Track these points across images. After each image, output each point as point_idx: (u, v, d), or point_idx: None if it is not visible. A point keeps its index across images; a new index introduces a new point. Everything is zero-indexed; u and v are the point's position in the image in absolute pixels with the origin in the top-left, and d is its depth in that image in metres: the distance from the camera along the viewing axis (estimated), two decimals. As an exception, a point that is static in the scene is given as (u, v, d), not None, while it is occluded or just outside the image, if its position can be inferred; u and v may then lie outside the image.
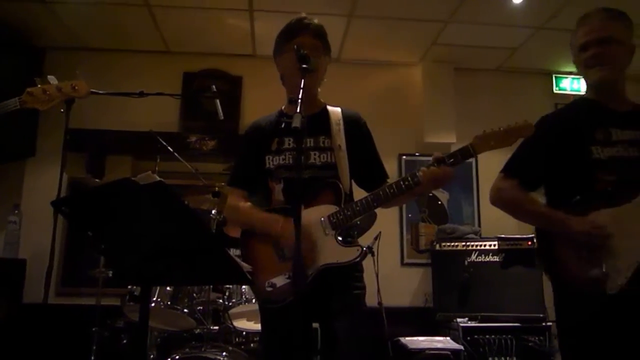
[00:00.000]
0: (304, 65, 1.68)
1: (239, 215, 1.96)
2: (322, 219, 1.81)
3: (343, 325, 1.79)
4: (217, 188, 2.97)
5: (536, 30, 4.12)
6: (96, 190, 1.42)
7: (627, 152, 1.84)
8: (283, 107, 2.05)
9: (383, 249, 3.79)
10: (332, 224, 1.80)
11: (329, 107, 2.04)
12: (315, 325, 1.91)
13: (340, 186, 1.84)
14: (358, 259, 1.78)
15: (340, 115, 1.99)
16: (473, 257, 4.13)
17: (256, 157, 1.96)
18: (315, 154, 1.91)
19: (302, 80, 1.66)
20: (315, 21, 1.97)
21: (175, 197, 1.25)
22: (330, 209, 1.81)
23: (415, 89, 4.78)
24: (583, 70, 1.97)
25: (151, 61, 4.68)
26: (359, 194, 1.94)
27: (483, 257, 4.12)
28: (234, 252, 3.01)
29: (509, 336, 3.77)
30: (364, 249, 1.81)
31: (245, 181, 2.01)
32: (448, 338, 3.86)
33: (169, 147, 3.36)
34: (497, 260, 4.07)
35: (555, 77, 4.91)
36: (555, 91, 4.92)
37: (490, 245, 4.12)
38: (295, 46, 1.79)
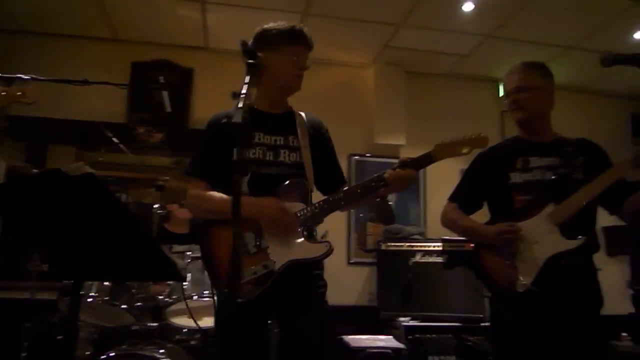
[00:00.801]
0: (250, 60, 1.71)
1: (208, 202, 1.90)
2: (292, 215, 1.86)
3: (308, 323, 1.84)
4: (160, 182, 2.89)
5: (485, 38, 4.24)
6: (24, 180, 1.35)
7: (543, 175, 2.12)
8: (254, 103, 2.06)
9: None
10: (300, 221, 1.85)
11: (295, 110, 2.11)
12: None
13: (307, 185, 1.92)
14: (325, 256, 1.83)
15: (304, 119, 2.08)
16: (417, 258, 4.21)
17: (224, 148, 1.92)
18: (285, 152, 1.96)
19: (248, 76, 1.67)
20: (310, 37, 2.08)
21: (106, 190, 1.21)
22: (298, 206, 1.87)
23: (367, 90, 4.83)
24: (509, 112, 2.24)
25: (99, 49, 4.51)
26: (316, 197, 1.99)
27: (427, 257, 4.21)
28: (176, 248, 3.00)
29: (450, 335, 3.87)
30: (332, 246, 1.84)
31: (207, 172, 1.96)
32: (391, 337, 3.92)
33: (113, 138, 3.27)
34: (441, 261, 4.17)
35: (502, 84, 5.07)
36: (501, 98, 5.08)
37: (434, 246, 4.21)
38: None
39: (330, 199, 1.88)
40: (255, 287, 1.79)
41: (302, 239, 1.84)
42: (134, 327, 2.83)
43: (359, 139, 4.78)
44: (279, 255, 1.81)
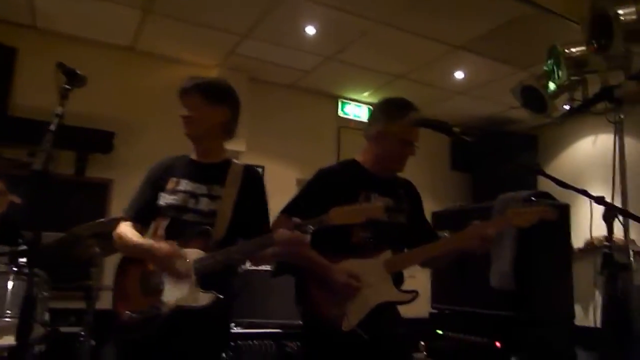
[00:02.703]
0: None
1: (127, 241, 1.96)
2: (188, 261, 1.83)
3: None
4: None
5: (325, 59, 4.46)
6: None
7: (382, 215, 2.09)
8: (192, 154, 2.10)
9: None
10: (195, 270, 1.83)
11: (234, 161, 2.10)
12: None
13: (212, 234, 1.89)
14: (209, 306, 1.80)
15: (241, 170, 2.08)
16: (247, 265, 4.28)
17: (153, 193, 2.02)
18: (204, 201, 1.98)
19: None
20: (199, 81, 2.05)
21: None
22: (198, 254, 1.85)
23: (211, 94, 4.78)
24: (385, 152, 2.17)
25: None
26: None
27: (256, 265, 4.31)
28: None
29: (270, 342, 4.02)
30: (220, 297, 1.81)
31: (140, 215, 2.03)
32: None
33: None
34: (270, 269, 4.30)
35: (341, 102, 5.39)
36: (340, 115, 5.39)
37: (264, 254, 4.33)
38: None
39: (225, 251, 1.88)
40: (143, 326, 1.81)
41: (192, 285, 1.82)
42: None
43: (199, 142, 4.71)
44: (169, 299, 1.82)
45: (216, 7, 3.72)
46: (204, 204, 1.98)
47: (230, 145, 4.52)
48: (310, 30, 3.91)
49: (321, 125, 5.33)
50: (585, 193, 2.03)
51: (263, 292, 4.19)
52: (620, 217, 2.15)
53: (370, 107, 5.50)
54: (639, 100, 2.61)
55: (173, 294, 1.84)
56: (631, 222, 3.06)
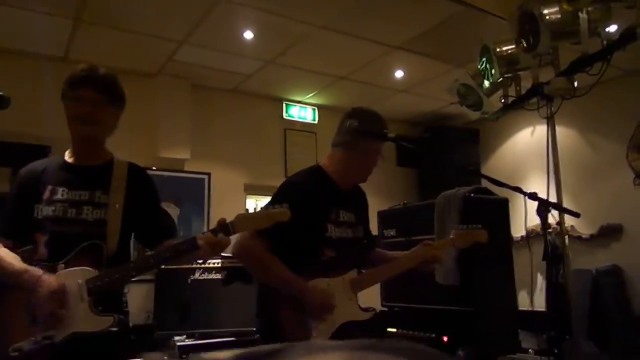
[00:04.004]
0: None
1: None
2: (80, 282, 1.68)
3: None
4: None
5: (266, 63, 4.43)
6: None
7: (345, 232, 2.13)
8: (67, 152, 1.92)
9: (105, 267, 3.61)
10: (89, 290, 1.67)
11: (116, 160, 1.92)
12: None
13: (104, 248, 1.73)
14: (111, 329, 1.68)
15: (125, 169, 1.92)
16: (197, 275, 4.22)
17: (26, 204, 1.80)
18: (88, 209, 1.79)
19: None
20: (101, 73, 1.87)
21: None
22: (90, 272, 1.69)
23: (151, 101, 4.66)
24: (356, 164, 2.17)
25: None
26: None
27: (207, 274, 4.25)
28: None
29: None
30: (121, 317, 1.70)
31: (11, 230, 1.81)
32: (165, 357, 3.88)
33: None
34: (220, 277, 4.25)
35: (285, 104, 5.37)
36: (284, 117, 5.37)
37: (214, 264, 4.27)
38: None
39: (126, 267, 1.74)
40: (38, 357, 1.61)
41: (88, 310, 1.67)
42: None
43: (142, 151, 4.57)
44: (63, 326, 1.65)
45: (150, 14, 3.63)
46: (88, 214, 1.80)
47: (175, 153, 4.56)
48: (248, 35, 3.87)
49: (266, 128, 5.30)
50: (518, 190, 2.10)
51: (214, 300, 4.13)
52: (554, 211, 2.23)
53: (315, 108, 5.51)
54: (569, 96, 2.71)
55: (66, 320, 1.66)
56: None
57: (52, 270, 1.70)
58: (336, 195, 2.18)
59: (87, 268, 1.71)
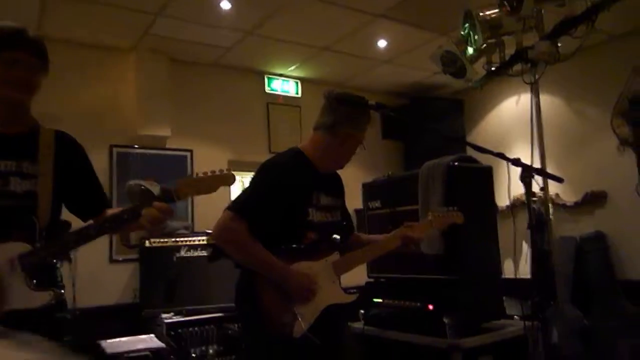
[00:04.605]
0: None
1: None
2: (11, 258, 1.59)
3: None
4: None
5: (245, 34, 4.32)
6: None
7: (326, 217, 2.12)
8: None
9: (89, 247, 3.51)
10: (23, 266, 1.59)
11: (43, 128, 1.81)
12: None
13: (36, 221, 1.66)
14: (50, 304, 1.63)
15: (52, 137, 1.81)
16: (182, 253, 4.19)
17: None
18: (15, 180, 1.69)
19: None
20: (33, 35, 1.75)
21: None
22: (22, 247, 1.61)
23: (128, 77, 4.54)
24: (337, 149, 2.14)
25: None
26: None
27: (192, 252, 4.22)
28: None
29: (211, 326, 3.97)
30: (60, 292, 1.66)
31: None
32: (152, 335, 3.85)
33: None
34: (206, 254, 4.22)
35: (267, 77, 5.27)
36: (267, 91, 5.27)
37: (199, 240, 4.24)
38: None
39: (63, 240, 1.68)
40: None
41: (24, 286, 1.60)
42: None
43: (121, 130, 4.48)
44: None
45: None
46: (16, 185, 1.70)
47: (155, 131, 4.48)
48: (225, 5, 3.75)
49: (249, 103, 5.20)
50: (501, 156, 2.07)
51: (200, 277, 4.11)
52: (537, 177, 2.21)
53: (297, 81, 5.42)
54: (553, 60, 2.67)
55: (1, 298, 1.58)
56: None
57: None
58: (316, 178, 2.15)
59: (20, 243, 1.63)
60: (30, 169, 1.72)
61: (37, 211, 1.69)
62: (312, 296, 1.96)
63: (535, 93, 3.19)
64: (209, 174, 1.74)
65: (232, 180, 1.76)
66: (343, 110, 2.10)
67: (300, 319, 1.91)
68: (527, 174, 2.01)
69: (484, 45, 3.03)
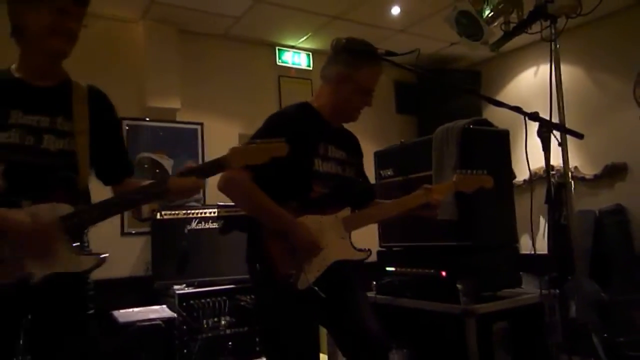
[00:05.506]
0: None
1: None
2: (54, 219, 1.51)
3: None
4: None
5: (255, 2, 4.21)
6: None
7: (336, 169, 2.07)
8: (13, 67, 1.67)
9: (101, 221, 3.55)
10: (66, 228, 1.52)
11: (75, 83, 1.72)
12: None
13: (77, 182, 1.59)
14: (94, 268, 1.58)
15: (86, 92, 1.72)
16: (194, 225, 4.17)
17: None
18: (49, 138, 1.60)
19: None
20: None
21: None
22: (65, 209, 1.54)
23: (137, 49, 4.46)
24: (344, 99, 2.06)
25: None
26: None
27: (203, 224, 4.20)
28: None
29: (223, 297, 3.95)
30: (102, 258, 1.58)
31: None
32: (164, 306, 3.86)
33: None
34: (217, 226, 4.19)
35: (278, 49, 5.17)
36: (278, 63, 5.18)
37: (211, 213, 4.21)
38: None
39: (104, 205, 1.60)
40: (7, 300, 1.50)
41: (68, 249, 1.53)
42: None
43: (130, 102, 4.43)
44: (38, 267, 1.50)
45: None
46: (49, 143, 1.60)
47: (164, 103, 4.41)
48: (234, -31, 3.66)
49: (260, 76, 5.12)
50: (518, 110, 1.99)
51: (212, 249, 4.09)
52: (557, 134, 2.11)
53: (309, 53, 5.32)
54: (574, 14, 2.54)
55: (41, 261, 1.51)
56: (572, 150, 3.10)
57: (14, 206, 1.50)
58: (325, 129, 2.09)
59: (62, 204, 1.54)
60: (66, 125, 1.63)
61: (77, 171, 1.61)
62: (317, 249, 1.91)
63: (556, 57, 3.07)
64: (261, 142, 1.66)
65: (284, 150, 1.69)
66: (345, 57, 2.03)
67: (305, 272, 1.87)
68: (546, 129, 1.92)
69: (502, 4, 2.91)
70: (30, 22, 1.60)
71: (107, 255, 1.60)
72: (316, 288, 1.87)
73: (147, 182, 1.70)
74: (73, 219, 1.54)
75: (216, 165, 1.63)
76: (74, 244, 1.56)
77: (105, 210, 1.60)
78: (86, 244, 1.73)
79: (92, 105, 1.70)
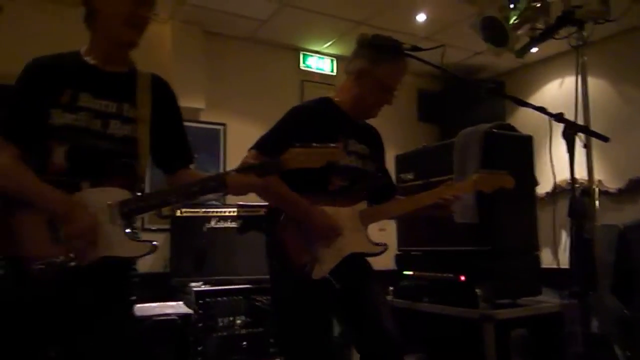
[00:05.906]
0: None
1: (10, 179, 1.50)
2: (111, 204, 1.52)
3: (103, 334, 1.56)
4: None
5: (281, 5, 4.26)
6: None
7: (357, 163, 2.07)
8: (83, 50, 1.67)
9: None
10: (122, 213, 1.53)
11: (139, 71, 1.74)
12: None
13: (137, 169, 1.60)
14: (145, 255, 1.57)
15: (149, 81, 1.73)
16: (212, 223, 4.20)
17: (39, 107, 1.53)
18: (115, 124, 1.61)
19: None
20: None
21: None
22: (123, 194, 1.54)
23: (164, 49, 4.55)
24: (363, 94, 2.06)
25: None
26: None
27: (222, 223, 4.23)
28: None
29: (240, 297, 3.96)
30: (155, 245, 1.59)
31: (22, 135, 1.54)
32: (181, 303, 3.88)
33: None
34: (236, 226, 4.22)
35: (303, 54, 5.21)
36: (302, 67, 5.21)
37: (230, 212, 4.24)
38: None
39: (162, 195, 1.62)
40: (55, 280, 1.48)
41: (123, 234, 1.53)
42: None
43: (155, 100, 4.51)
44: (92, 251, 1.50)
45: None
46: (115, 128, 1.60)
47: (190, 102, 4.47)
48: (261, -28, 3.71)
49: (283, 80, 5.16)
50: (542, 110, 1.97)
51: (230, 249, 4.11)
52: (582, 136, 2.08)
53: (333, 59, 5.35)
54: (602, 20, 2.51)
55: (99, 242, 1.50)
56: (596, 163, 3.05)
57: (74, 186, 1.51)
58: (346, 124, 2.09)
59: (120, 190, 1.55)
60: (131, 112, 1.64)
61: (138, 158, 1.62)
62: (335, 235, 1.91)
63: (582, 65, 3.03)
64: (318, 146, 1.65)
65: (341, 155, 1.72)
66: (368, 52, 2.04)
67: (320, 262, 1.87)
68: (571, 130, 1.90)
69: (529, 10, 2.90)
70: (108, 9, 1.60)
71: (157, 243, 1.61)
72: (331, 278, 1.87)
73: (206, 174, 1.72)
74: (131, 205, 1.55)
75: (274, 165, 1.63)
76: (127, 230, 1.56)
77: (162, 199, 1.62)
78: (137, 232, 1.72)
79: (155, 94, 1.72)
